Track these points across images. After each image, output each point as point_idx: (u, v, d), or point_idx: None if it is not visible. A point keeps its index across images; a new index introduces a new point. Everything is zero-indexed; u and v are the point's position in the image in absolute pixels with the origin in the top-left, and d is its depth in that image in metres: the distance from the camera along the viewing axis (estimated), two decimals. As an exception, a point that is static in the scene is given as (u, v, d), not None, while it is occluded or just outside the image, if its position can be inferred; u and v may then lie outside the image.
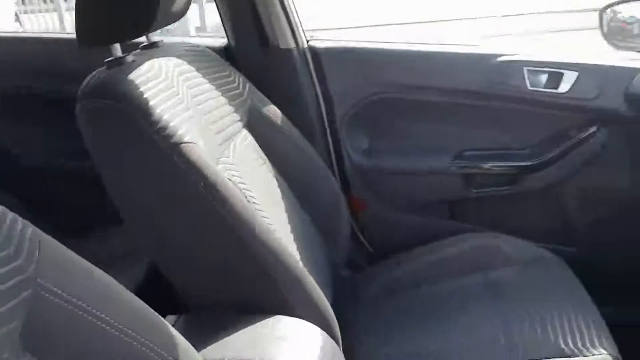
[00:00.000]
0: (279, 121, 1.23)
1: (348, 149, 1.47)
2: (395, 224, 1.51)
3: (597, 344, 0.97)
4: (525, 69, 1.32)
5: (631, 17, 1.48)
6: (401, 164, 1.47)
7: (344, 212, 1.32)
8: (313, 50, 1.41)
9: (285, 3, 1.32)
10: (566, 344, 0.97)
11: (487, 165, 1.42)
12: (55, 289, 0.46)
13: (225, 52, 1.38)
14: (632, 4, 1.43)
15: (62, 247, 0.51)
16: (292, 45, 1.38)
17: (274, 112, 1.23)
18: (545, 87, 1.33)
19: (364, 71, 1.43)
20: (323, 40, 1.45)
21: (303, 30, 1.40)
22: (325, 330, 0.84)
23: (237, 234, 0.83)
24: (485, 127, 1.43)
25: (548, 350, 0.97)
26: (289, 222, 1.11)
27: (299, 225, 1.15)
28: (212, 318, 0.84)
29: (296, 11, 1.37)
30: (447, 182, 1.45)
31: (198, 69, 1.03)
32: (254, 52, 1.37)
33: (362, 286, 1.31)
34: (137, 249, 1.19)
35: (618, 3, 1.44)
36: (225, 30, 1.39)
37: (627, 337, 1.00)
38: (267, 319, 0.82)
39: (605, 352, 0.95)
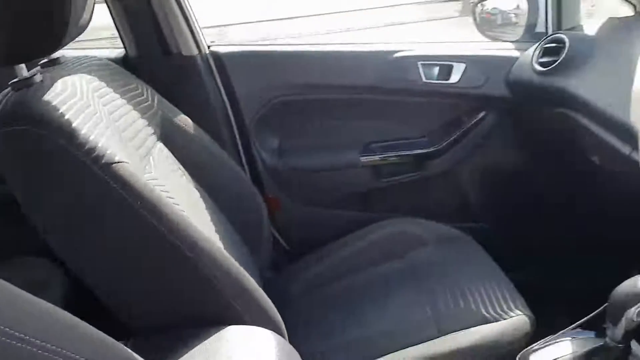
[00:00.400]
0: (190, 130, 1.22)
1: (259, 151, 1.48)
2: (311, 220, 1.55)
3: (512, 307, 1.08)
4: (419, 63, 1.43)
5: (494, 8, 1.65)
6: (312, 162, 1.52)
7: (263, 214, 1.33)
8: (215, 56, 1.41)
9: (185, 10, 1.30)
10: (487, 312, 1.08)
11: (392, 155, 1.51)
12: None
13: (124, 63, 1.32)
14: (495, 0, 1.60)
15: None
16: (195, 52, 1.36)
17: (184, 121, 1.21)
18: (437, 79, 1.44)
19: (267, 74, 1.46)
20: (224, 45, 1.45)
21: (204, 36, 1.39)
22: (276, 333, 0.86)
23: (179, 249, 0.81)
24: (387, 120, 1.52)
25: (473, 319, 1.06)
26: (216, 231, 1.10)
27: (224, 232, 1.15)
28: (161, 340, 0.82)
29: (196, 17, 1.35)
30: (357, 175, 1.52)
31: (108, 84, 0.99)
32: (157, 62, 1.33)
33: (284, 286, 1.34)
34: (54, 281, 1.12)
35: (485, -1, 1.60)
36: (122, 40, 1.34)
37: (535, 295, 1.13)
38: (219, 332, 0.81)
39: (520, 313, 1.07)
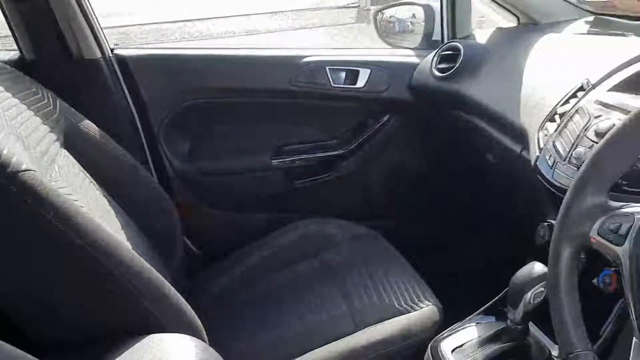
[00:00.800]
0: (96, 136, 1.17)
1: (168, 156, 1.45)
2: (223, 224, 1.55)
3: (422, 298, 1.15)
4: (327, 68, 1.47)
5: (392, 17, 1.74)
6: (223, 166, 1.51)
7: (175, 220, 1.31)
8: (120, 59, 1.36)
9: (87, 13, 1.25)
10: (399, 304, 1.14)
11: (303, 158, 1.55)
12: None
13: (19, 66, 1.24)
14: (393, 8, 1.69)
15: None
16: (98, 55, 1.31)
17: (89, 127, 1.16)
18: (345, 84, 1.49)
19: (175, 77, 1.43)
20: (129, 48, 1.41)
21: (107, 39, 1.34)
22: (197, 338, 0.85)
23: (96, 260, 0.78)
24: (298, 123, 1.55)
25: (387, 312, 1.12)
26: (128, 240, 1.07)
27: (136, 240, 1.11)
28: (78, 356, 0.78)
29: (98, 20, 1.30)
30: (270, 178, 1.54)
31: (7, 89, 0.93)
32: (57, 66, 1.26)
33: (202, 291, 1.32)
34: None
35: (384, 8, 1.69)
36: (17, 42, 1.25)
37: (442, 286, 1.21)
38: (139, 342, 0.79)
39: (430, 303, 1.14)
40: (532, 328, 0.95)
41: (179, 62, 1.46)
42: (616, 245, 0.61)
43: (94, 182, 1.11)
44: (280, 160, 1.53)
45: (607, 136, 0.68)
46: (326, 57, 1.49)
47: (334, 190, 1.61)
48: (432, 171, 1.60)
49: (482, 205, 1.49)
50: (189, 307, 0.92)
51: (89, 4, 1.28)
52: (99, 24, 1.31)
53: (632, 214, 0.61)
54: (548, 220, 0.98)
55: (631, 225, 0.60)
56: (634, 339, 0.58)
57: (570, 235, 0.67)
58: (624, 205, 0.64)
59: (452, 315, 1.08)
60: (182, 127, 1.47)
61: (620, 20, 1.36)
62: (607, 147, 0.67)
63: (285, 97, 1.48)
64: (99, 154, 1.16)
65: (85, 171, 1.10)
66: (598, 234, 0.64)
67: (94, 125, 1.17)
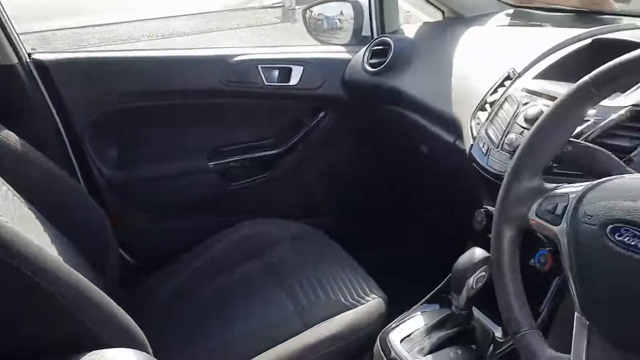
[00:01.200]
0: (17, 145, 1.09)
1: (96, 163, 1.38)
2: (159, 231, 1.50)
3: (367, 292, 1.16)
4: (259, 66, 1.45)
5: (320, 14, 1.75)
6: (155, 170, 1.46)
7: (107, 230, 1.25)
8: (38, 64, 1.28)
9: (1, 17, 1.17)
10: (346, 299, 1.14)
11: (240, 159, 1.52)
12: None
13: None
14: (320, 5, 1.70)
15: None
16: (15, 60, 1.22)
17: (8, 136, 1.08)
18: (278, 82, 1.48)
19: (98, 81, 1.36)
20: (47, 52, 1.32)
21: (23, 44, 1.25)
22: (141, 350, 0.81)
23: (29, 278, 0.73)
24: (233, 124, 1.52)
25: (334, 308, 1.12)
26: (59, 253, 1.01)
27: (67, 253, 1.05)
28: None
29: (13, 24, 1.22)
30: (206, 181, 1.50)
31: None
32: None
33: (142, 302, 1.27)
34: None
35: (312, 6, 1.69)
36: None
37: (387, 277, 1.22)
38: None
39: (376, 296, 1.15)
40: (476, 312, 0.98)
41: (103, 65, 1.40)
42: (554, 225, 0.63)
43: (17, 195, 1.04)
44: (216, 162, 1.50)
45: (537, 123, 0.70)
46: (258, 55, 1.47)
47: (272, 190, 1.60)
48: (368, 166, 1.61)
49: (420, 196, 1.52)
50: (130, 320, 0.88)
51: (2, 7, 1.19)
52: (14, 29, 1.23)
53: (567, 194, 0.64)
54: (485, 207, 1.01)
55: (566, 205, 0.62)
56: (576, 313, 0.60)
57: (510, 218, 0.69)
58: (558, 187, 0.67)
59: (398, 306, 1.09)
60: (110, 132, 1.40)
61: (538, 12, 1.43)
62: (537, 133, 0.70)
63: (217, 97, 1.45)
64: (21, 164, 1.09)
65: (7, 183, 1.03)
66: (536, 215, 0.66)
67: (14, 135, 1.09)
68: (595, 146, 0.73)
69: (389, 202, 1.59)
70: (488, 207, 1.01)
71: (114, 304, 0.85)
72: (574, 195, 0.62)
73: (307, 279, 1.21)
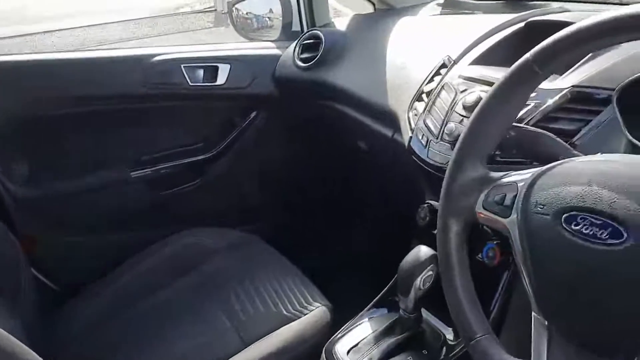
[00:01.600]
0: None
1: (3, 181, 1.24)
2: (82, 251, 1.36)
3: (311, 300, 1.08)
4: (182, 66, 1.34)
5: (248, 13, 1.66)
6: (73, 185, 1.33)
7: (18, 255, 1.11)
8: None
9: None
10: (288, 311, 1.06)
11: (167, 166, 1.41)
12: None
13: None
14: (244, 2, 1.61)
15: None
16: None
17: None
18: (204, 82, 1.38)
19: (4, 87, 1.22)
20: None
21: None
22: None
23: None
24: (158, 129, 1.40)
25: (275, 321, 1.03)
26: None
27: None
28: None
29: None
30: (131, 192, 1.38)
31: None
32: None
33: (61, 330, 1.15)
34: None
35: (237, 2, 1.60)
36: None
37: (331, 283, 1.15)
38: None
39: (319, 304, 1.07)
40: (425, 314, 0.92)
41: (7, 68, 1.25)
42: (503, 217, 0.58)
43: None
44: (141, 171, 1.38)
45: (478, 107, 0.65)
46: (180, 54, 1.36)
47: (204, 197, 1.49)
48: (304, 165, 1.53)
49: (360, 193, 1.46)
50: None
51: None
52: None
53: (515, 182, 0.58)
54: (428, 201, 0.96)
55: (515, 195, 0.57)
56: (533, 313, 0.54)
57: (455, 212, 0.64)
58: (505, 175, 0.62)
59: (344, 313, 1.02)
60: (19, 146, 1.26)
61: (468, 1, 1.40)
62: (479, 118, 0.64)
63: (138, 101, 1.33)
64: None
65: None
66: (483, 207, 0.61)
67: None
68: (540, 130, 0.69)
69: (327, 202, 1.52)
70: (431, 201, 0.97)
71: (25, 349, 0.74)
72: (523, 183, 0.57)
73: (245, 291, 1.12)
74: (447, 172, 0.66)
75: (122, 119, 1.35)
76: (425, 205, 0.97)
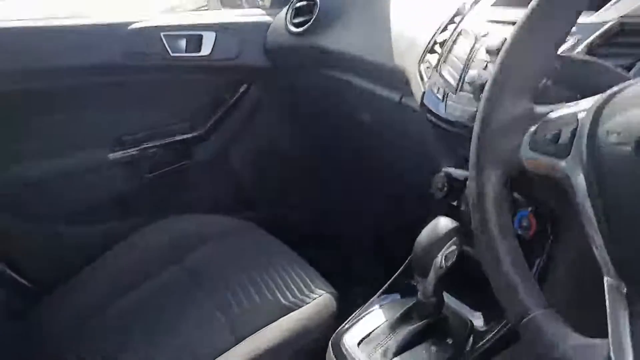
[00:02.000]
0: None
1: None
2: (57, 243, 1.23)
3: (313, 288, 0.95)
4: (162, 34, 1.21)
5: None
6: (43, 171, 1.19)
7: None
8: None
9: None
10: (287, 300, 0.93)
11: (150, 146, 1.27)
12: None
13: None
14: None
15: None
16: None
17: None
18: (187, 52, 1.24)
19: None
20: None
21: None
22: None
23: None
24: (139, 105, 1.26)
25: (273, 313, 0.90)
26: None
27: None
28: None
29: None
30: (109, 176, 1.24)
31: None
32: None
33: (31, 332, 1.02)
34: None
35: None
36: None
37: (334, 271, 1.02)
38: None
39: (323, 291, 0.94)
40: (446, 298, 0.79)
41: None
42: (559, 158, 0.44)
43: None
44: (121, 152, 1.23)
45: (515, 28, 0.52)
46: (159, 21, 1.22)
47: (193, 180, 1.34)
48: (304, 145, 1.39)
49: (367, 173, 1.31)
50: None
51: None
52: None
53: (573, 114, 0.45)
54: (444, 169, 0.84)
55: (575, 128, 0.44)
56: (606, 280, 0.41)
57: (493, 161, 0.50)
58: (555, 108, 0.48)
59: (351, 303, 0.88)
60: None
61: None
62: (517, 43, 0.51)
63: (116, 73, 1.19)
64: None
65: None
66: (531, 149, 0.47)
67: None
68: (590, 57, 0.56)
69: (331, 185, 1.38)
70: (449, 169, 0.84)
71: None
72: (584, 113, 0.43)
73: (239, 281, 0.99)
74: (478, 113, 0.52)
75: (98, 94, 1.21)
76: (442, 173, 0.84)
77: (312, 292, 0.94)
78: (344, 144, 1.31)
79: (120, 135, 1.24)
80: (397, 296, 0.83)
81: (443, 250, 0.72)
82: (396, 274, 0.85)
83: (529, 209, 0.72)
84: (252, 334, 0.87)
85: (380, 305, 0.82)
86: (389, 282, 0.85)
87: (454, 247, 0.73)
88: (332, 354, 0.79)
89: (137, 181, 1.26)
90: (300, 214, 1.35)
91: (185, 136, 1.29)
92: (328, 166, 1.38)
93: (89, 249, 1.12)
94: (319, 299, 0.92)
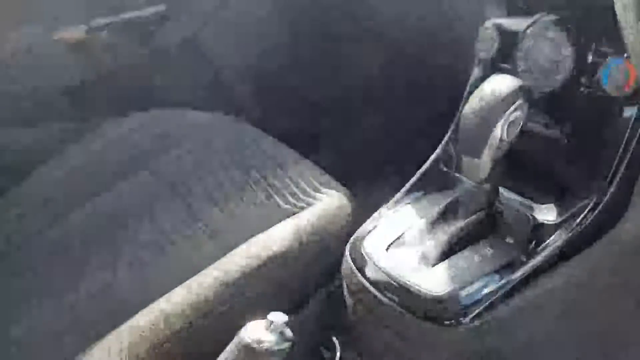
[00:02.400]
0: None
1: None
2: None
3: (319, 188, 0.75)
4: None
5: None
6: None
7: None
8: None
9: None
10: (287, 202, 0.73)
11: (100, 25, 1.00)
12: None
13: None
14: None
15: None
16: None
17: None
18: None
19: None
20: None
21: None
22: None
23: None
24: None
25: (273, 217, 0.71)
26: None
27: None
28: None
29: None
30: (51, 65, 0.98)
31: None
32: None
33: None
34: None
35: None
36: None
37: (341, 169, 0.82)
38: None
39: (333, 189, 0.74)
40: (503, 190, 0.60)
41: None
42: None
43: None
44: (63, 32, 0.97)
45: None
46: None
47: (157, 70, 1.07)
48: (296, 15, 1.13)
49: (381, 40, 1.05)
50: None
51: None
52: None
53: None
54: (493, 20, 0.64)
55: None
56: None
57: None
58: None
59: (369, 205, 0.69)
60: None
61: None
62: None
63: None
64: None
65: None
66: None
67: None
68: None
69: (335, 59, 1.12)
70: (498, 19, 0.64)
71: None
72: None
73: (220, 185, 0.78)
74: None
75: None
76: (491, 24, 0.65)
77: (318, 191, 0.74)
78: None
79: (63, 9, 0.97)
80: (433, 188, 0.64)
81: (507, 115, 0.52)
82: (430, 158, 0.66)
83: (625, 55, 0.52)
84: (241, 244, 0.67)
85: (414, 200, 0.63)
86: (423, 168, 0.65)
87: (518, 114, 0.53)
88: (349, 260, 0.60)
89: (84, 71, 1.00)
90: (299, 110, 1.09)
91: (143, 13, 1.02)
92: (328, 34, 1.09)
93: (24, 159, 0.90)
94: (328, 199, 0.72)
